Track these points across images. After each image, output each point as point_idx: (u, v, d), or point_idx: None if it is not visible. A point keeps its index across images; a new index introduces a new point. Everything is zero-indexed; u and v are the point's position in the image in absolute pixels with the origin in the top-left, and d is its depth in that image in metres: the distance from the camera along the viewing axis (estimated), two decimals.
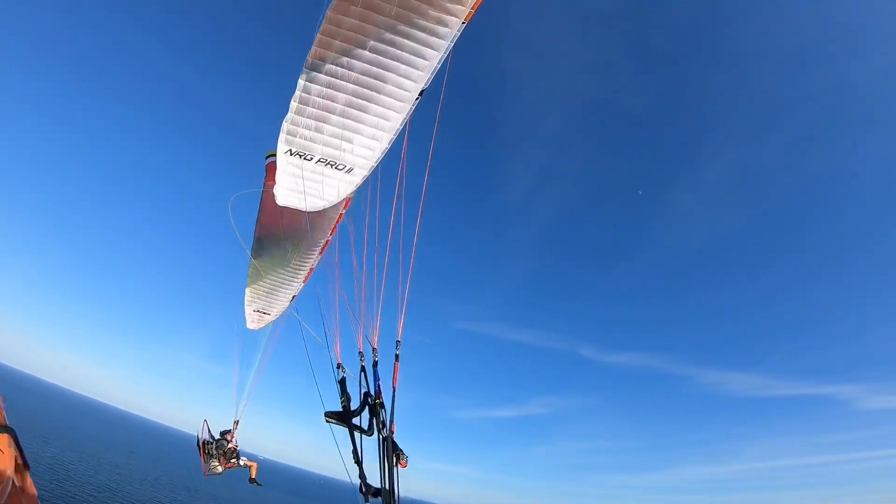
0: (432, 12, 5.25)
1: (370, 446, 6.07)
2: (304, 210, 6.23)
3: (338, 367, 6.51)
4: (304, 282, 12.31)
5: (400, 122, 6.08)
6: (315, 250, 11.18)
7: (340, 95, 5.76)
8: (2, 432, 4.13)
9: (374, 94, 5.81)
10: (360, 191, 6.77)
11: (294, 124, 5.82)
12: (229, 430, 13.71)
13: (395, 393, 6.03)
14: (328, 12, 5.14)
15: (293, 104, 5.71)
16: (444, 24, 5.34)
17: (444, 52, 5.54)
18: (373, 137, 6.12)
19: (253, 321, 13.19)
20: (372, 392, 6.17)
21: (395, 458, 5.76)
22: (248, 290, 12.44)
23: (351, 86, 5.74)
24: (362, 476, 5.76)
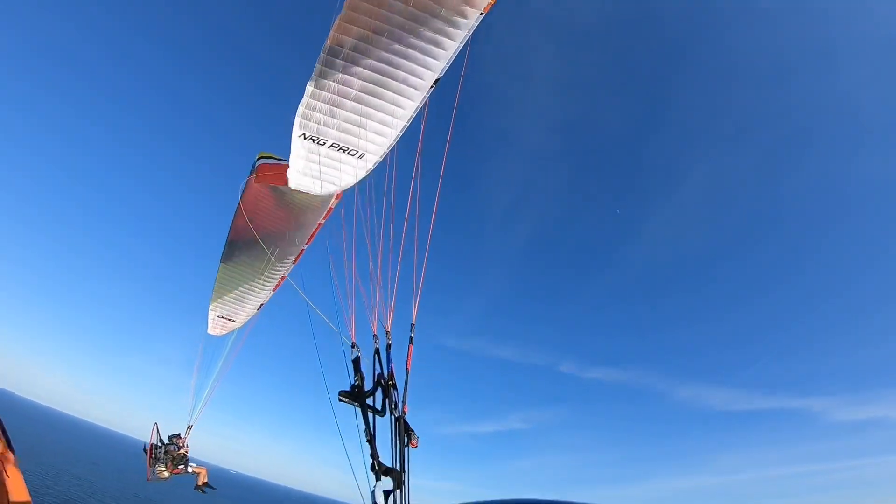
0: (451, 0, 5.34)
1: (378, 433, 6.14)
2: (318, 193, 6.27)
3: (352, 347, 6.61)
4: (273, 290, 11.91)
5: (414, 110, 6.17)
6: (289, 259, 10.91)
7: (356, 81, 5.81)
8: None
9: (390, 80, 5.88)
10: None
11: (309, 108, 5.84)
12: (179, 435, 13.20)
13: (409, 375, 6.23)
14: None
15: (309, 88, 5.73)
16: (463, 14, 5.44)
17: (462, 42, 5.65)
18: (386, 124, 6.19)
19: (216, 327, 12.64)
20: (385, 374, 6.30)
21: (406, 438, 5.94)
22: (214, 295, 11.95)
23: (366, 72, 5.79)
24: (374, 454, 5.91)
